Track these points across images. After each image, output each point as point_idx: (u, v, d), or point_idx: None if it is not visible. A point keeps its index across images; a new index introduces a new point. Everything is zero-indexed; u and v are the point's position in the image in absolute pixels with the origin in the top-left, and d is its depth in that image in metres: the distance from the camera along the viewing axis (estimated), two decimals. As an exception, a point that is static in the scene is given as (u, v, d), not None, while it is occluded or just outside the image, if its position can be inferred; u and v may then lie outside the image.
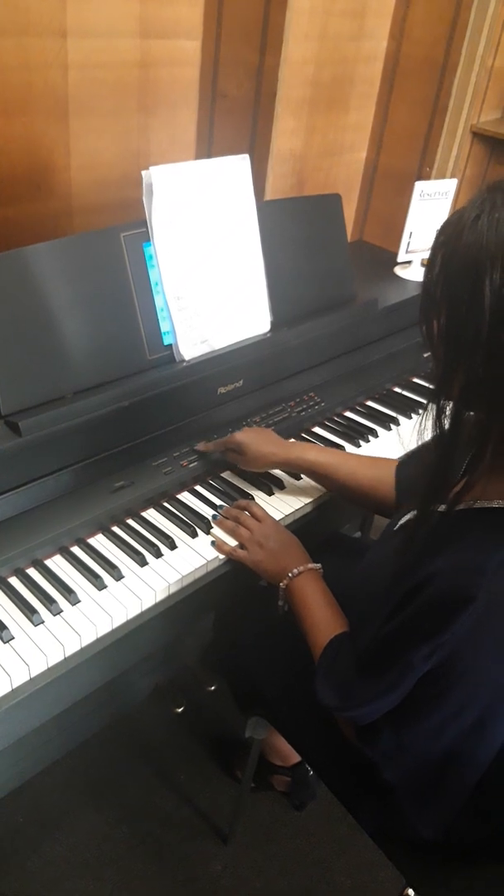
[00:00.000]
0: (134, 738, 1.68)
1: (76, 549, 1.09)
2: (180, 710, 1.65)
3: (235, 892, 1.44)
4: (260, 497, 1.24)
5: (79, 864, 1.44)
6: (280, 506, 1.22)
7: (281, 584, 1.05)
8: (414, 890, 1.06)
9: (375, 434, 1.44)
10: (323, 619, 1.00)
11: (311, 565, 1.06)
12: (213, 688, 1.67)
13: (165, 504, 1.19)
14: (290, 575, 1.04)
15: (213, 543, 1.12)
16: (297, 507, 1.23)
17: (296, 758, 1.55)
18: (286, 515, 1.21)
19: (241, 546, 1.11)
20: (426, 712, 0.83)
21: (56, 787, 1.56)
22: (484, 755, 0.89)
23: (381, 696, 0.84)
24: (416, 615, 0.79)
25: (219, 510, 1.18)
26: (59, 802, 1.54)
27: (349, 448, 1.38)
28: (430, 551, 0.80)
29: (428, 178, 1.99)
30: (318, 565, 1.07)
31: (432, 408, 0.77)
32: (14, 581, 1.02)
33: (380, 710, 0.86)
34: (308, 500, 1.25)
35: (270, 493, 1.25)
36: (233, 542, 1.13)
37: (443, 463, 0.78)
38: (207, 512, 1.18)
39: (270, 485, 1.26)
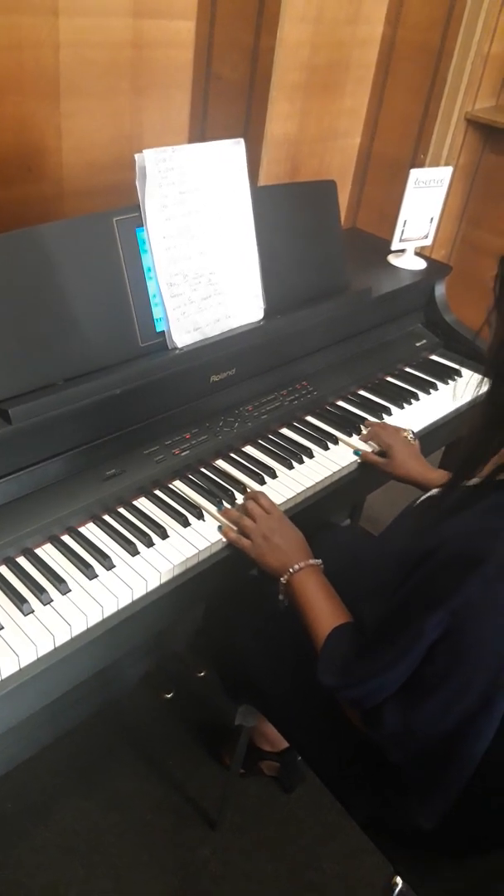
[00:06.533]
0: (123, 725, 1.68)
1: (67, 538, 1.08)
2: (169, 696, 1.66)
3: (223, 877, 1.45)
4: (252, 486, 1.23)
5: (67, 850, 1.45)
6: (271, 494, 1.21)
7: (282, 578, 1.05)
8: (402, 878, 1.07)
9: (366, 424, 1.43)
10: (324, 613, 0.99)
11: (311, 561, 1.06)
12: (202, 674, 1.67)
13: (157, 493, 1.18)
14: (291, 570, 1.04)
15: (219, 528, 1.12)
16: (288, 497, 1.22)
17: (285, 743, 1.56)
18: (277, 505, 1.20)
19: (246, 535, 1.11)
20: (432, 690, 0.83)
21: (45, 774, 1.56)
22: (488, 734, 0.88)
23: (385, 671, 0.84)
24: (427, 578, 0.80)
25: (211, 499, 1.17)
26: (47, 789, 1.54)
27: (341, 437, 1.38)
28: (445, 520, 0.82)
29: (422, 165, 1.97)
30: (319, 561, 1.07)
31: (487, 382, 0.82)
32: (4, 570, 1.01)
33: (382, 688, 0.85)
34: (299, 490, 1.24)
35: (262, 483, 1.24)
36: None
37: (488, 436, 0.83)
38: (199, 501, 1.17)
39: (262, 474, 1.25)
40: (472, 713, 0.83)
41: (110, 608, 0.99)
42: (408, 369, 1.66)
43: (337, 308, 1.49)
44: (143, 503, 1.16)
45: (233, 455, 1.30)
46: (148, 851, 1.47)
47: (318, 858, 1.50)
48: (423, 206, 1.71)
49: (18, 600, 0.96)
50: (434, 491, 1.05)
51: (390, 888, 1.08)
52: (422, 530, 0.87)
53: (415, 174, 1.65)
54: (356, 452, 1.34)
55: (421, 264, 1.77)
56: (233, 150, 1.26)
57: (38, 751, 1.54)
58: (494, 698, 0.83)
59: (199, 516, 1.14)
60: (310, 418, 1.43)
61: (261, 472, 1.25)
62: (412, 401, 1.54)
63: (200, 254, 1.24)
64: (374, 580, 0.96)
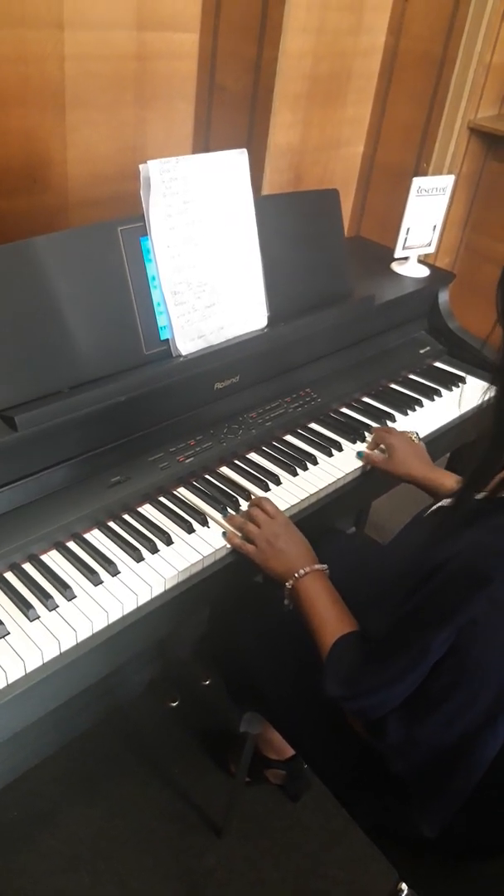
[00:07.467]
0: (128, 733, 1.68)
1: (72, 545, 1.08)
2: (175, 704, 1.66)
3: (229, 885, 1.45)
4: (256, 493, 1.23)
5: (73, 857, 1.45)
6: (276, 501, 1.21)
7: (287, 583, 1.05)
8: (407, 884, 1.07)
9: (371, 430, 1.44)
10: (330, 619, 0.99)
11: (317, 566, 1.06)
12: (207, 682, 1.68)
13: (162, 499, 1.19)
14: (296, 575, 1.04)
15: (224, 534, 1.13)
16: (292, 503, 1.23)
17: (290, 751, 1.56)
18: (281, 511, 1.21)
19: (250, 541, 1.11)
20: (437, 704, 0.83)
21: (50, 781, 1.56)
22: (494, 746, 0.88)
23: (391, 685, 0.84)
24: (435, 593, 0.80)
25: (215, 505, 1.18)
26: (53, 796, 1.54)
27: (345, 444, 1.38)
28: (455, 534, 0.81)
29: (425, 173, 1.98)
30: (325, 566, 1.07)
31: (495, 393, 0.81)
32: (9, 576, 1.02)
33: (387, 701, 0.85)
34: (303, 496, 1.25)
35: (266, 489, 1.25)
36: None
37: (497, 446, 0.82)
38: (204, 507, 1.18)
39: (267, 481, 1.26)
40: (476, 727, 0.83)
41: (115, 614, 0.99)
42: (412, 376, 1.66)
43: (340, 315, 1.50)
44: (147, 510, 1.17)
45: (237, 462, 1.30)
46: (153, 858, 1.47)
47: (323, 865, 1.50)
48: (426, 215, 1.72)
49: (24, 606, 0.97)
50: (447, 501, 1.05)
51: (396, 894, 1.08)
52: (431, 541, 0.87)
53: (417, 182, 1.66)
54: (359, 454, 1.35)
55: (424, 272, 1.78)
56: (236, 160, 1.27)
57: (44, 759, 1.54)
58: (499, 714, 0.83)
59: (204, 523, 1.15)
60: (313, 425, 1.44)
61: (265, 479, 1.26)
62: (416, 407, 1.55)
63: (204, 262, 1.25)
64: (380, 588, 0.96)
